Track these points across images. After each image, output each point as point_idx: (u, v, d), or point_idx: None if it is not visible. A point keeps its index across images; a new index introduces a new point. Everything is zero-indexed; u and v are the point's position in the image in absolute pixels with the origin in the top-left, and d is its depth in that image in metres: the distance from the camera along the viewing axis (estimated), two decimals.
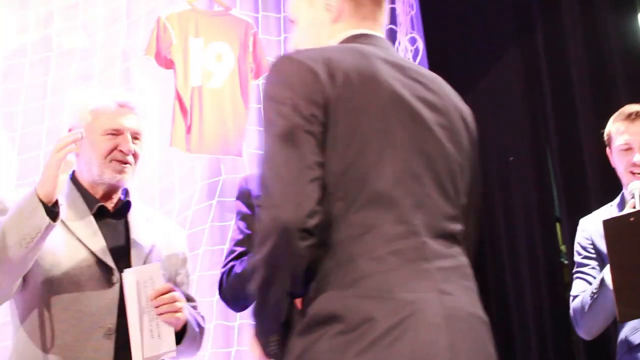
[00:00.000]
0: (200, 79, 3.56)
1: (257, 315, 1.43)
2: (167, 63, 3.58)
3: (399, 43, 3.77)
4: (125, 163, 1.99)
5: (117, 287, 1.93)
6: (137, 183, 2.47)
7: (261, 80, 3.72)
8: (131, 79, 3.68)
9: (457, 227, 1.49)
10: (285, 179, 1.34)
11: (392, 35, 3.78)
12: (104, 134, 1.99)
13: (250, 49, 3.66)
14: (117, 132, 2.00)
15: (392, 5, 3.77)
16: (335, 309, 1.33)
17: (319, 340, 1.31)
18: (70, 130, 2.02)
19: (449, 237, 1.46)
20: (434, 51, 3.89)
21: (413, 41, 3.78)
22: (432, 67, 3.79)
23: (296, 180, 1.34)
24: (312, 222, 1.32)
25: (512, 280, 3.98)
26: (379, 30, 1.63)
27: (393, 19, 3.77)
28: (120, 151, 1.99)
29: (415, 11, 3.83)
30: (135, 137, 2.03)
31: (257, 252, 1.37)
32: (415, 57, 3.75)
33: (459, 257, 1.46)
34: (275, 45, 3.89)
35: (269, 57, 3.71)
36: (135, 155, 2.02)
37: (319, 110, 1.38)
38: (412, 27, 3.83)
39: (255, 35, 3.70)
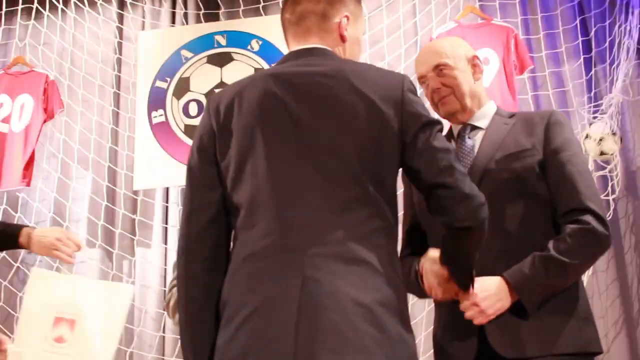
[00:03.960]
0: None
1: None
2: None
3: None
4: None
5: None
6: None
7: (526, 74, 4.22)
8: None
9: (341, 205, 1.53)
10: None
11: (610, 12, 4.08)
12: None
13: (513, 49, 4.16)
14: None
15: None
16: (223, 298, 1.58)
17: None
18: None
19: (323, 221, 1.52)
20: None
21: None
22: None
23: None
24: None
25: None
26: (295, 46, 1.76)
27: None
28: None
29: None
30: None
31: None
32: None
33: (341, 240, 1.50)
34: (537, 42, 4.37)
35: (531, 54, 4.23)
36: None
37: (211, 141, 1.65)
38: None
39: (516, 37, 4.19)
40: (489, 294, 1.80)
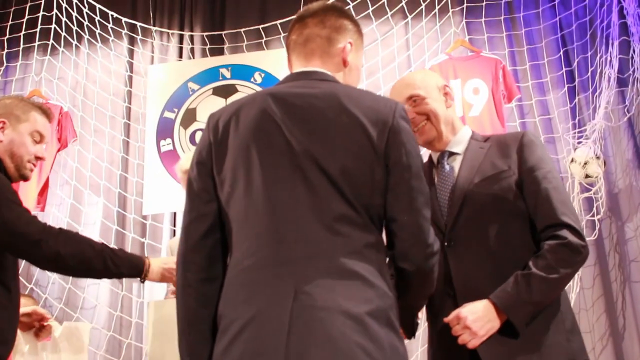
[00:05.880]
0: (462, 110, 4.39)
1: None
2: None
3: (633, 50, 4.27)
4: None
5: None
6: None
7: (514, 103, 4.46)
8: None
9: (330, 221, 1.53)
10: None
11: (626, 45, 4.31)
12: None
13: (501, 79, 4.42)
14: None
15: (623, 20, 4.33)
16: (219, 310, 1.60)
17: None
18: None
19: (315, 236, 1.52)
20: None
21: None
22: None
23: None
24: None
25: None
26: (297, 68, 1.80)
27: (625, 31, 4.32)
28: None
29: None
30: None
31: None
32: None
33: (333, 253, 1.51)
34: (523, 73, 4.62)
35: (518, 84, 4.48)
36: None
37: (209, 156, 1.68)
38: None
39: (504, 68, 4.46)
40: (478, 316, 1.85)
